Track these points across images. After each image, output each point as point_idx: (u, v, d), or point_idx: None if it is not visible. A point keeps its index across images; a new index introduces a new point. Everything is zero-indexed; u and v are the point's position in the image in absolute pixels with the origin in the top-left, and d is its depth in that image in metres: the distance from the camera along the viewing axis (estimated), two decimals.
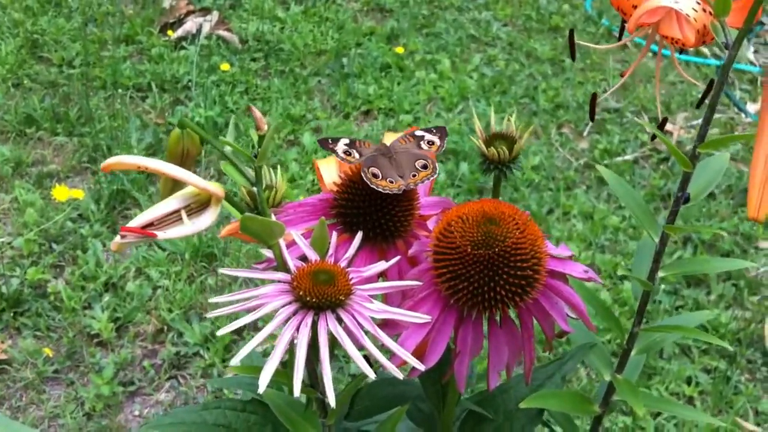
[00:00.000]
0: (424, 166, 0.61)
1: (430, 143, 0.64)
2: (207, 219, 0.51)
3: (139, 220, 0.49)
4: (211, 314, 0.52)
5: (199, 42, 2.16)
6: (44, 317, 1.44)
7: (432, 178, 0.61)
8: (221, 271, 0.56)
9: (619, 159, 1.87)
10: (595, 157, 1.87)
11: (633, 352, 0.67)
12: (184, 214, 0.50)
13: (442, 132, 0.65)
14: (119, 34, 2.20)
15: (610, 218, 1.69)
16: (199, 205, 0.51)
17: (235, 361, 0.50)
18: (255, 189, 0.54)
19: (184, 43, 2.17)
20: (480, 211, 0.55)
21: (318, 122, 1.96)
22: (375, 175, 0.59)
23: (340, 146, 0.62)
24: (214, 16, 2.27)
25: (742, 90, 2.13)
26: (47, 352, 1.38)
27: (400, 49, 2.20)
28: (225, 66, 2.09)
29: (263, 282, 0.53)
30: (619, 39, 0.63)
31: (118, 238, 0.48)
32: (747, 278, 1.57)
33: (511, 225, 0.54)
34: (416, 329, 0.56)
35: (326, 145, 0.62)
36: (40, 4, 2.29)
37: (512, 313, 0.58)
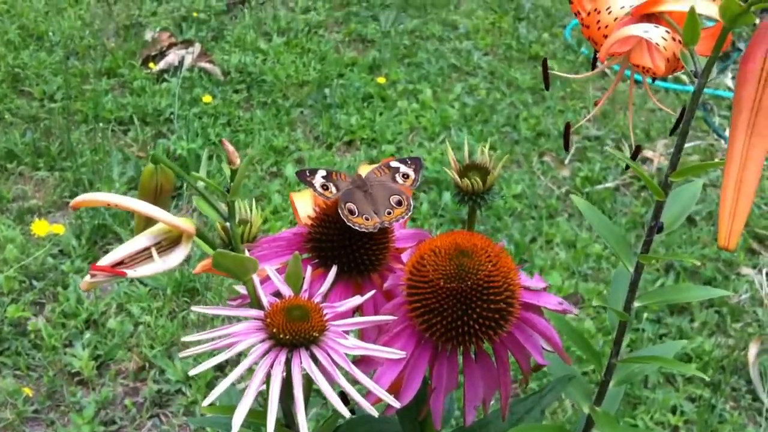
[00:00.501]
0: (399, 203, 0.62)
1: (405, 176, 0.64)
2: (178, 256, 0.50)
3: (109, 258, 0.49)
4: (184, 354, 0.52)
5: (181, 74, 2.17)
6: (24, 356, 1.42)
7: (406, 216, 0.61)
8: (193, 309, 0.56)
9: (600, 186, 1.88)
10: (577, 185, 1.88)
11: (611, 384, 0.67)
12: (154, 251, 0.50)
13: (417, 164, 0.65)
14: (101, 67, 2.20)
15: (592, 246, 1.70)
16: (170, 242, 0.51)
17: (208, 400, 0.49)
18: (228, 224, 0.54)
19: (166, 76, 2.18)
20: (452, 243, 0.55)
21: (301, 153, 1.96)
22: (351, 212, 0.59)
23: (318, 180, 0.62)
24: (197, 48, 2.28)
25: (721, 116, 2.15)
26: (27, 391, 1.36)
27: (381, 80, 2.21)
28: (207, 98, 2.09)
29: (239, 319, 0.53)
30: (593, 68, 0.64)
31: (88, 278, 0.48)
32: (730, 305, 1.58)
33: (483, 257, 0.54)
34: (391, 365, 0.56)
35: (304, 178, 0.62)
36: (21, 38, 2.29)
37: (487, 347, 0.58)
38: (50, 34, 2.33)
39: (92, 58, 2.24)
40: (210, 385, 1.40)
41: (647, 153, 1.97)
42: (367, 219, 0.59)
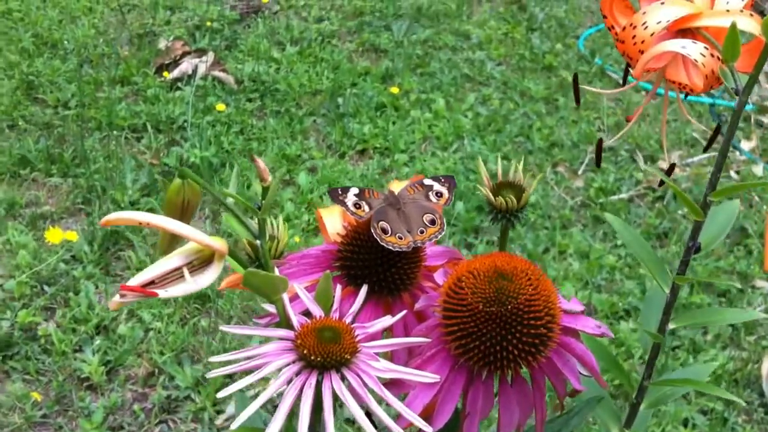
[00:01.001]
0: (432, 222, 0.61)
1: (438, 194, 0.63)
2: (210, 276, 0.49)
3: (139, 278, 0.48)
4: (212, 374, 0.52)
5: (194, 83, 2.17)
6: (34, 360, 1.42)
7: (439, 236, 0.61)
8: (222, 328, 0.55)
9: (615, 198, 1.87)
10: (590, 196, 1.87)
11: (642, 406, 0.65)
12: (186, 271, 0.49)
13: (450, 182, 0.64)
14: (115, 75, 2.21)
15: (606, 257, 1.68)
16: (201, 261, 0.50)
17: (237, 424, 0.48)
18: (258, 242, 0.53)
19: (179, 84, 2.18)
20: (491, 265, 0.54)
21: (313, 162, 1.96)
22: (384, 231, 0.58)
23: (350, 198, 0.60)
24: (210, 57, 2.29)
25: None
26: (36, 396, 1.36)
27: (395, 89, 2.21)
28: (221, 106, 2.09)
29: (264, 338, 0.52)
30: (623, 84, 0.62)
31: (117, 297, 0.47)
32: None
33: (524, 281, 0.53)
34: (424, 389, 0.54)
35: (336, 197, 0.61)
36: (35, 46, 2.31)
37: (524, 371, 0.57)
38: (64, 42, 2.34)
39: (106, 66, 2.25)
40: (220, 389, 1.39)
41: (662, 164, 1.96)
42: (400, 238, 0.58)
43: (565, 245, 1.72)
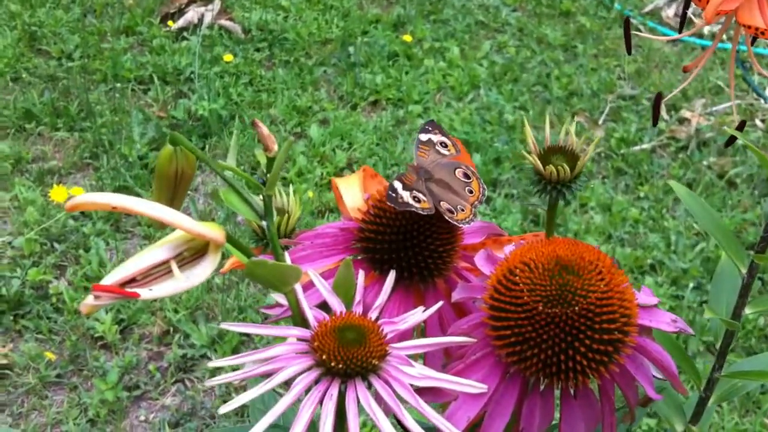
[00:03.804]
0: (466, 175, 0.54)
1: (443, 145, 0.56)
2: (205, 270, 0.41)
3: (117, 275, 0.40)
4: (212, 382, 0.44)
5: (201, 32, 2.11)
6: (46, 320, 1.39)
7: (483, 187, 0.53)
8: (223, 325, 0.47)
9: (636, 148, 1.82)
10: (612, 147, 1.82)
11: (711, 401, 0.58)
12: (174, 266, 0.40)
13: (438, 128, 0.56)
14: (119, 25, 2.14)
15: (629, 210, 1.64)
16: (193, 252, 0.42)
17: None
18: (264, 223, 0.46)
19: (185, 34, 2.12)
20: (552, 256, 0.45)
21: (325, 113, 1.90)
22: (450, 211, 0.50)
23: (406, 195, 0.50)
24: (216, 5, 2.21)
25: (761, 75, 2.07)
26: (49, 356, 1.33)
27: (407, 37, 2.14)
28: (228, 57, 2.03)
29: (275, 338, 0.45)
30: (680, 30, 0.55)
31: (90, 299, 0.39)
32: (764, 280, 1.52)
33: (593, 274, 0.44)
34: (468, 400, 0.45)
35: (396, 201, 0.50)
36: None
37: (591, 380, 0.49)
38: None
39: (110, 15, 2.18)
40: (236, 350, 1.36)
41: (685, 113, 1.90)
42: (462, 210, 0.51)
43: (587, 198, 1.67)
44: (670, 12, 2.26)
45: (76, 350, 1.35)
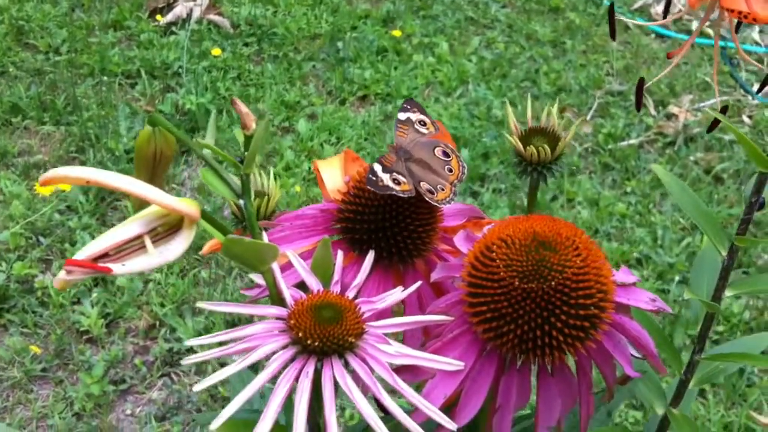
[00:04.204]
0: (445, 153, 0.53)
1: (422, 123, 0.55)
2: (178, 246, 0.41)
3: (90, 249, 0.39)
4: (188, 361, 0.44)
5: (189, 27, 2.10)
6: (31, 314, 1.38)
7: (462, 164, 0.53)
8: (199, 304, 0.47)
9: (624, 143, 1.82)
10: (599, 142, 1.82)
11: (692, 383, 0.58)
12: (148, 241, 0.40)
13: (416, 105, 0.56)
14: (107, 19, 2.13)
15: (615, 205, 1.64)
16: (168, 228, 0.41)
17: (216, 423, 0.41)
18: (241, 202, 0.46)
19: (174, 28, 2.11)
20: (529, 231, 0.45)
21: (313, 108, 1.90)
22: (430, 191, 0.50)
23: (386, 178, 0.50)
24: None
25: (748, 71, 2.08)
26: (35, 349, 1.33)
27: (396, 33, 2.14)
28: (216, 51, 2.02)
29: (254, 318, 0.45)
30: (664, 16, 0.55)
31: (62, 275, 0.39)
32: (757, 266, 1.53)
33: (570, 250, 0.44)
34: (445, 378, 0.45)
35: (376, 185, 0.49)
36: None
37: (568, 357, 0.49)
38: None
39: (98, 10, 2.17)
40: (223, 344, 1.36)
41: (673, 109, 1.91)
42: (442, 189, 0.51)
43: (574, 193, 1.67)
44: (659, 8, 2.26)
45: (61, 344, 1.35)
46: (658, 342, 0.56)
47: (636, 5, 2.32)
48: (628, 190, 1.70)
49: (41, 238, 1.52)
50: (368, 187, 0.49)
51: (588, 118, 1.91)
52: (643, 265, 1.52)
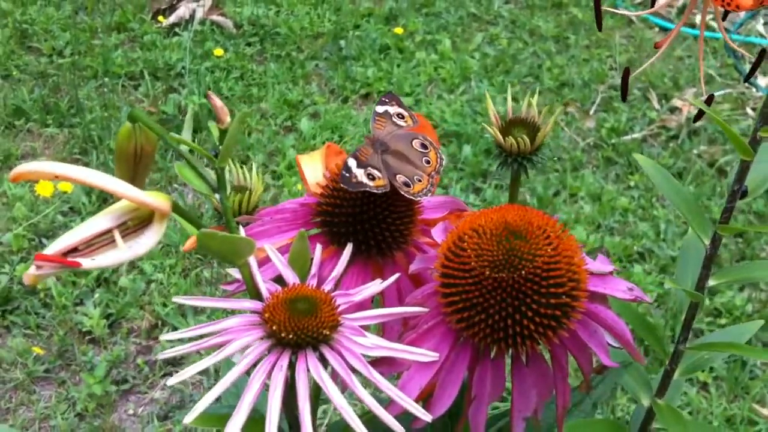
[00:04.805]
0: (423, 146, 0.53)
1: (400, 116, 0.55)
2: (149, 240, 0.41)
3: (60, 244, 0.39)
4: (163, 355, 0.45)
5: (192, 28, 2.11)
6: (34, 315, 1.39)
7: (442, 156, 0.53)
8: (175, 299, 0.48)
9: (627, 138, 1.81)
10: (602, 137, 1.81)
11: (677, 373, 0.58)
12: (117, 235, 0.40)
13: (395, 99, 0.56)
14: (110, 21, 2.14)
15: (618, 199, 1.63)
16: (138, 222, 0.41)
17: (191, 416, 0.41)
18: (217, 196, 0.46)
19: (176, 30, 2.12)
20: (501, 221, 0.45)
21: (316, 107, 1.90)
22: (406, 184, 0.50)
23: (360, 174, 0.50)
24: (208, 0, 2.21)
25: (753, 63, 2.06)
26: (37, 351, 1.33)
27: (399, 30, 2.14)
28: (219, 52, 2.03)
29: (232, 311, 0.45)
30: (652, 5, 0.55)
31: (32, 269, 0.39)
32: (761, 258, 1.51)
33: (541, 239, 0.44)
34: (420, 369, 0.45)
35: (350, 182, 0.49)
36: None
37: (542, 347, 0.48)
38: None
39: (101, 12, 2.18)
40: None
41: (676, 102, 1.89)
42: (419, 180, 0.50)
43: (577, 188, 1.66)
44: (661, 0, 2.25)
45: (64, 345, 1.35)
46: (642, 331, 0.56)
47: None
48: (631, 184, 1.69)
49: (44, 240, 1.52)
50: (342, 185, 0.49)
51: (591, 112, 1.90)
52: (646, 259, 1.51)
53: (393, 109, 0.55)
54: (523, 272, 0.43)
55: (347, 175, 0.49)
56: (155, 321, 1.40)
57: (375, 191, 0.49)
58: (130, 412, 1.29)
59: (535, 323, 0.44)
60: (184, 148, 0.47)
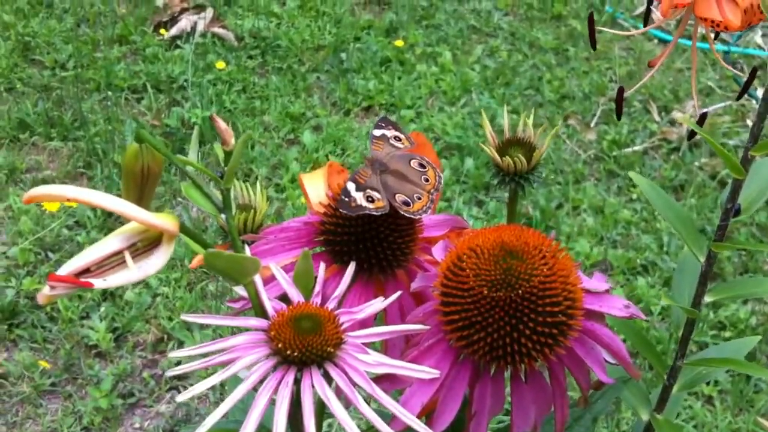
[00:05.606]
0: (421, 165, 0.54)
1: (398, 139, 0.56)
2: (158, 260, 0.42)
3: (72, 265, 0.41)
4: (171, 373, 0.46)
5: (194, 40, 2.11)
6: (40, 329, 1.40)
7: (440, 174, 0.54)
8: (183, 317, 0.48)
9: (628, 150, 1.82)
10: (604, 149, 1.82)
11: (675, 388, 0.59)
12: (128, 256, 0.41)
13: (391, 123, 0.57)
14: (112, 34, 2.15)
15: (621, 212, 1.64)
16: (147, 243, 0.42)
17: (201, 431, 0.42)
18: (223, 216, 0.47)
19: (178, 42, 2.13)
20: (497, 241, 0.46)
21: (318, 120, 1.91)
22: (405, 203, 0.51)
23: (359, 197, 0.51)
24: (209, 13, 2.22)
25: (744, 82, 2.08)
26: (44, 364, 1.34)
27: (399, 43, 2.15)
28: (221, 64, 2.04)
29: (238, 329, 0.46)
30: (645, 24, 0.56)
31: (46, 290, 0.40)
32: (764, 271, 1.52)
33: (537, 259, 0.45)
34: (422, 386, 0.47)
35: (348, 206, 0.50)
36: (30, 6, 2.24)
37: (541, 364, 0.50)
38: (59, 0, 2.28)
39: (103, 25, 2.19)
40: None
41: (676, 115, 1.91)
42: (419, 198, 0.52)
43: (579, 200, 1.68)
44: (659, 14, 2.27)
45: (70, 359, 1.36)
46: (641, 348, 0.57)
47: (637, 11, 2.32)
48: (634, 196, 1.70)
49: (50, 254, 1.53)
50: (341, 210, 0.50)
51: (592, 124, 1.92)
52: (649, 272, 1.52)
53: (390, 133, 0.57)
54: (520, 291, 0.45)
55: (346, 199, 0.51)
56: (161, 335, 1.41)
57: (375, 213, 0.51)
58: (136, 425, 1.29)
59: (532, 341, 0.45)
60: (190, 168, 0.48)
